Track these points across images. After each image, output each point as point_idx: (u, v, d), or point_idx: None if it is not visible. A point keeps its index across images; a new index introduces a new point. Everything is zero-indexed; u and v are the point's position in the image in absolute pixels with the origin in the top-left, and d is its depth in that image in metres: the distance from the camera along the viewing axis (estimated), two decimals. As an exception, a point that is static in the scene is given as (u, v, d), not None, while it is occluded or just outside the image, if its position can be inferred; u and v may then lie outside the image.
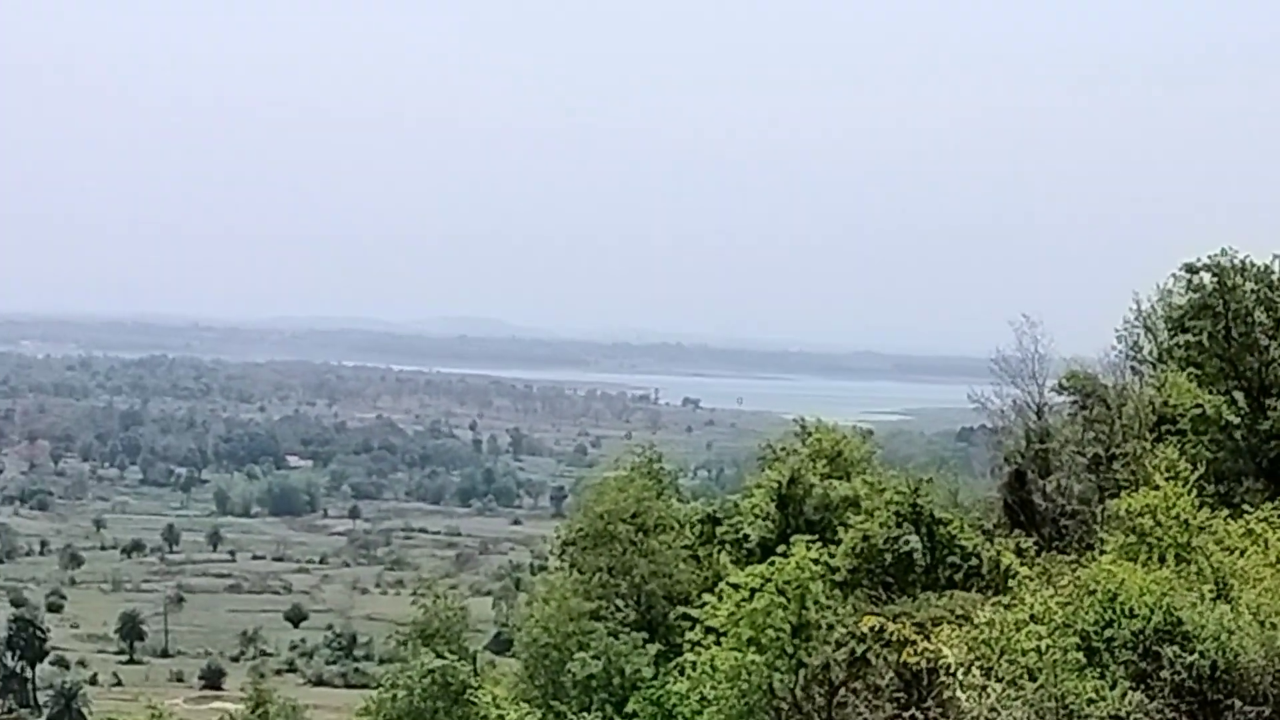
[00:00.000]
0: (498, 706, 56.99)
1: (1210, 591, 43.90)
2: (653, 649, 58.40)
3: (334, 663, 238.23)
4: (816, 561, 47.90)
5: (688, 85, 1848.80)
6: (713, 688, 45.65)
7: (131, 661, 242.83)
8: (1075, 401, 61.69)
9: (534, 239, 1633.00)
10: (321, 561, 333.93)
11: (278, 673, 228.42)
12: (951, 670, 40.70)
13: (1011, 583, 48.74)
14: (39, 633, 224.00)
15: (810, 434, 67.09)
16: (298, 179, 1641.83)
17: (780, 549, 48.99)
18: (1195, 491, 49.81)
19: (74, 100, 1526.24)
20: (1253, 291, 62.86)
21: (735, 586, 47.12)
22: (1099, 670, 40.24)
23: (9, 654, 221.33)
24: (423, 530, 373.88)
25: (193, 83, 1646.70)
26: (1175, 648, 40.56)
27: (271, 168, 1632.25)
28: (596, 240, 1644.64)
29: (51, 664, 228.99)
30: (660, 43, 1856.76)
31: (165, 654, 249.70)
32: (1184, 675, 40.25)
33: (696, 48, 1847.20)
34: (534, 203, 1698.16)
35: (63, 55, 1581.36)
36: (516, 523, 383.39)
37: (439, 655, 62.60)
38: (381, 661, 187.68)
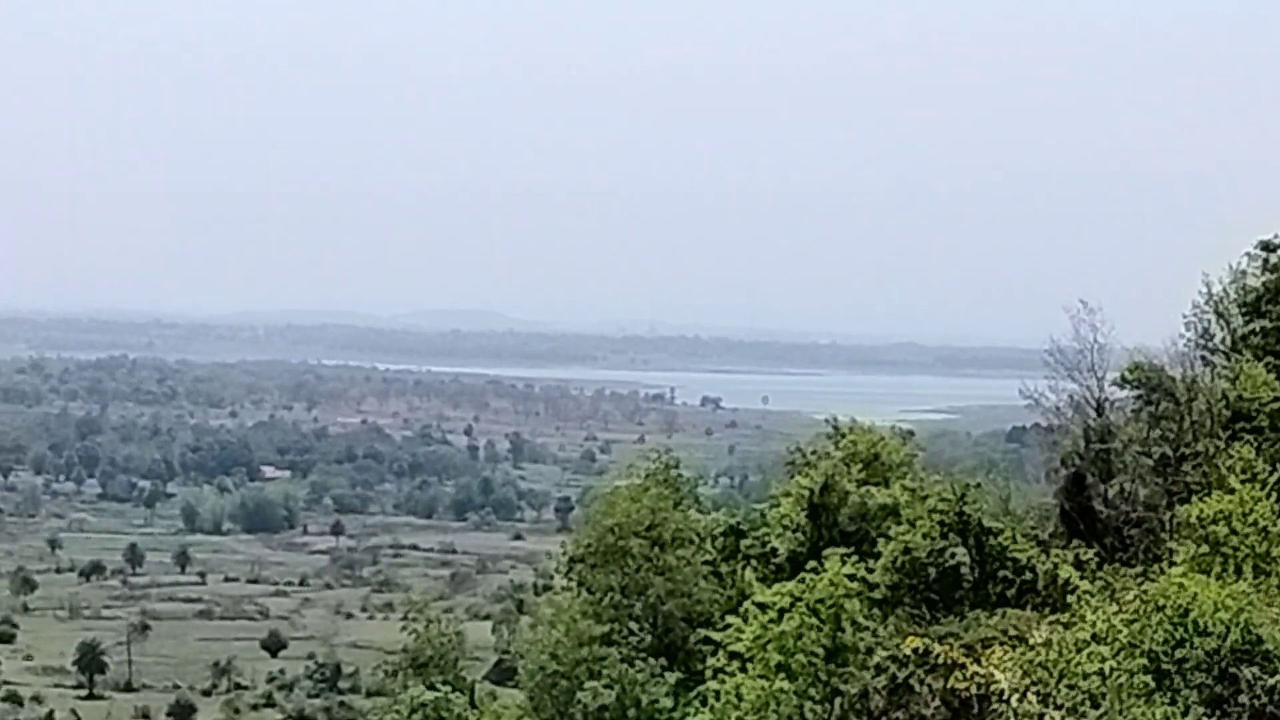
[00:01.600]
0: (498, 742, 57.21)
1: (1293, 606, 43.92)
2: (671, 677, 58.52)
3: (316, 696, 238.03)
4: (852, 577, 48.00)
5: (700, 54, 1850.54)
6: (738, 719, 45.70)
7: (91, 697, 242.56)
8: (1139, 396, 61.57)
9: (534, 221, 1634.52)
10: (301, 583, 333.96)
11: (254, 708, 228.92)
12: (1005, 697, 40.74)
13: (1070, 599, 48.71)
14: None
15: (844, 435, 67.08)
16: (269, 158, 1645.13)
17: (812, 564, 49.11)
18: (1274, 495, 49.81)
19: (9, 83, 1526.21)
20: (1338, 270, 62.80)
21: (762, 606, 47.22)
22: (1169, 695, 40.25)
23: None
24: (413, 547, 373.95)
25: (150, 60, 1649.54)
26: (1254, 669, 40.58)
27: (239, 147, 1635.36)
28: (604, 223, 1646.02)
29: (2, 700, 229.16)
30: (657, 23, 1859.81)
31: (129, 688, 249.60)
32: (1264, 699, 40.26)
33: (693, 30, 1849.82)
34: (533, 181, 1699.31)
35: None
36: (518, 538, 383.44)
37: (432, 687, 62.84)
38: (369, 694, 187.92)
